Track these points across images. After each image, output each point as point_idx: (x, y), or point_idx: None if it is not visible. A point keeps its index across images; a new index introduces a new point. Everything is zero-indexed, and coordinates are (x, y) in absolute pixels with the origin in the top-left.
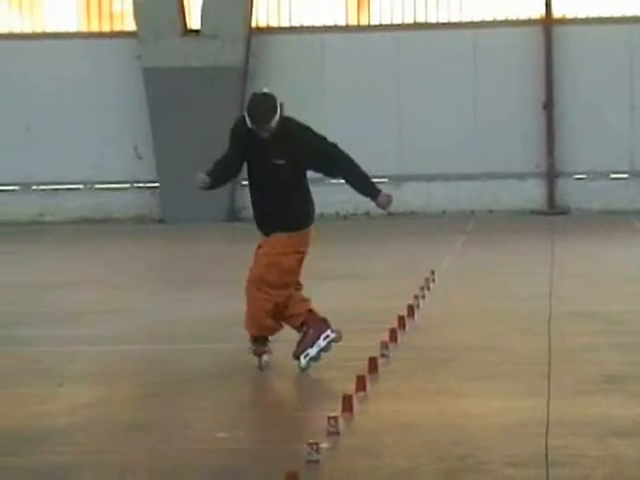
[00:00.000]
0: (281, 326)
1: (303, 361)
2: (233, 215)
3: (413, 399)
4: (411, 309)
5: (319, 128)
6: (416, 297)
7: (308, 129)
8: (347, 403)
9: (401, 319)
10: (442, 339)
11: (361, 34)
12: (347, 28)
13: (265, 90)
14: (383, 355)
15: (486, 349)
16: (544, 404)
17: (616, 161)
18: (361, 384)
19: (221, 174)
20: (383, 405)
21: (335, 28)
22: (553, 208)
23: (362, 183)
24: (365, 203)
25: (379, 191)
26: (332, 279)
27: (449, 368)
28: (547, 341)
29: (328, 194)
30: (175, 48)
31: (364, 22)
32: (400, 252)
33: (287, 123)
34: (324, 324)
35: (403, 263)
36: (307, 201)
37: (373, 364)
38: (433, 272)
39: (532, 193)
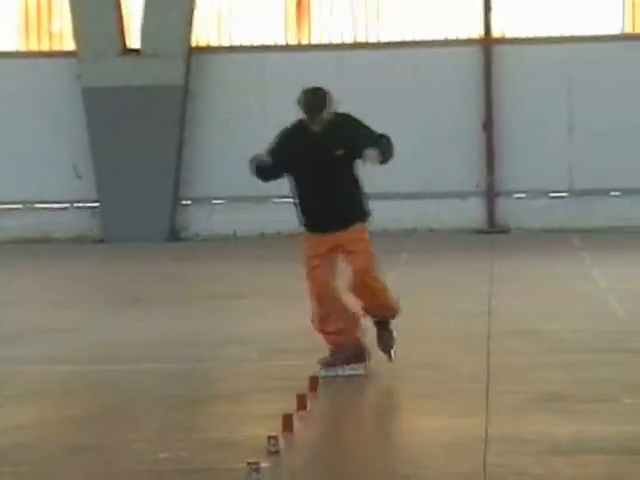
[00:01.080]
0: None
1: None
2: (174, 235)
3: (354, 417)
4: None
5: (260, 147)
6: None
7: (356, 119)
8: (287, 422)
9: None
10: (383, 357)
11: (301, 53)
12: (287, 47)
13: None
14: None
15: (426, 367)
16: (483, 422)
17: (556, 180)
18: (302, 403)
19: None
20: (324, 424)
21: (275, 47)
22: (493, 227)
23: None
24: None
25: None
26: (274, 298)
27: (390, 386)
28: (486, 359)
29: (271, 212)
30: (115, 67)
31: (305, 41)
32: (340, 271)
33: (340, 116)
34: (365, 355)
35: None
36: (363, 194)
37: (314, 383)
38: None
39: (472, 212)
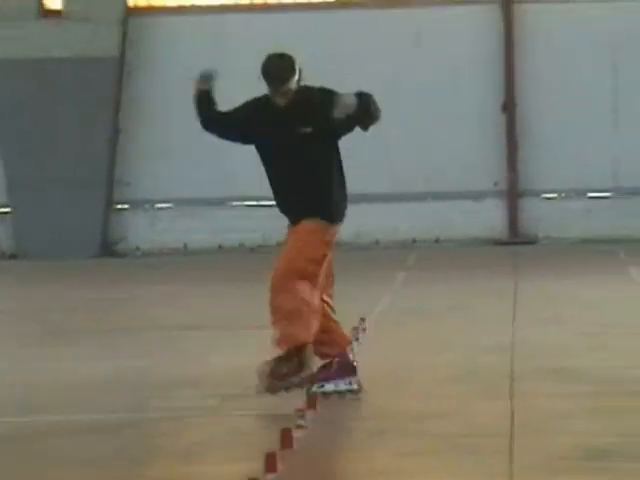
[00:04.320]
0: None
1: (315, 387)
2: (107, 249)
3: None
4: None
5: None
6: None
7: (331, 91)
8: None
9: None
10: (375, 405)
11: (270, 15)
12: (252, 7)
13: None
14: (299, 426)
15: (431, 416)
16: None
17: (596, 176)
18: (271, 464)
19: (218, 113)
20: None
21: (237, 7)
22: (516, 236)
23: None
24: (276, 232)
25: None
26: (235, 329)
27: (383, 442)
28: (509, 405)
29: (231, 219)
30: (31, 34)
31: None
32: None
33: (308, 90)
34: (353, 370)
35: None
36: (340, 191)
37: (287, 438)
38: (363, 319)
39: (489, 217)
